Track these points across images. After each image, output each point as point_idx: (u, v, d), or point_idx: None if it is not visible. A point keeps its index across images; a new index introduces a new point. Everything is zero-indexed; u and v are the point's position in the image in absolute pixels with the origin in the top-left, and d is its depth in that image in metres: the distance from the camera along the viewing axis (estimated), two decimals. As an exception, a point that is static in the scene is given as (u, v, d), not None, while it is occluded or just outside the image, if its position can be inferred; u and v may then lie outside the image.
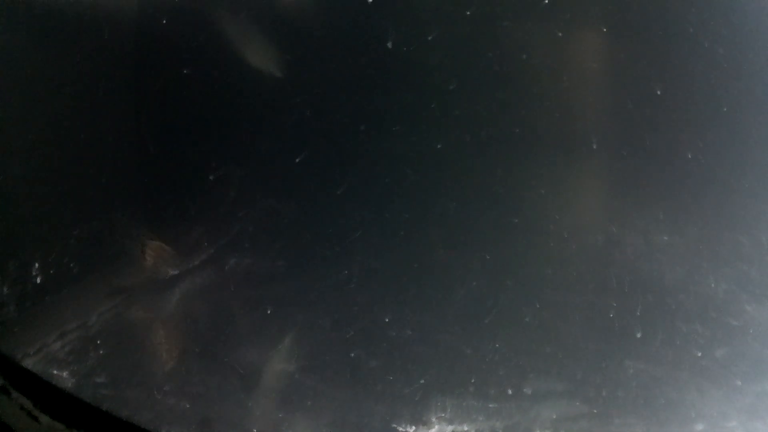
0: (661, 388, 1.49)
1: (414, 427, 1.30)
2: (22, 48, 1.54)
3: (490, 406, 1.36)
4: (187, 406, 1.23)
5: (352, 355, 1.38)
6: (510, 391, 1.39)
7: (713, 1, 1.58)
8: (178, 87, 1.81)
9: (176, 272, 1.42)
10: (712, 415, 1.43)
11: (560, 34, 1.75)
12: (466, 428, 1.33)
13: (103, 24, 1.75)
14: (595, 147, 1.78)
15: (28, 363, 1.35)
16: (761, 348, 1.54)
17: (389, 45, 1.74)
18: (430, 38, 1.73)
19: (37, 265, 1.42)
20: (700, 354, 1.52)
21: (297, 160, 1.79)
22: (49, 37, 1.63)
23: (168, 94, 1.77)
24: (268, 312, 1.45)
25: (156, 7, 1.75)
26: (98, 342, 1.39)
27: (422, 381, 1.35)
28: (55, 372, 1.33)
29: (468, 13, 1.70)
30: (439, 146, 1.81)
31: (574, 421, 1.40)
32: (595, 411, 1.42)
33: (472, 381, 1.38)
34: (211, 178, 1.60)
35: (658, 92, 1.63)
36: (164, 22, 1.77)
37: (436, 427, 1.31)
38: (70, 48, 1.58)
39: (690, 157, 1.67)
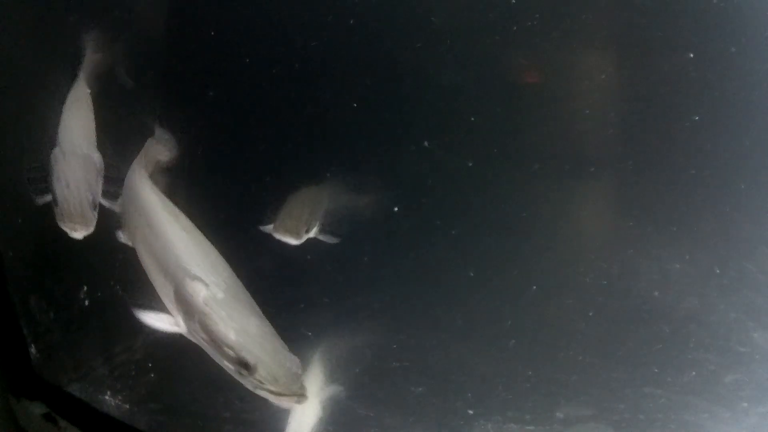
0: (677, 411, 1.60)
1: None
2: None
3: (527, 428, 1.43)
4: (243, 432, 1.26)
5: (399, 382, 1.43)
6: (544, 416, 1.47)
7: (717, 21, 1.66)
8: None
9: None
10: (718, 435, 1.54)
11: (573, 58, 1.82)
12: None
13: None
14: (612, 180, 1.87)
15: (75, 389, 1.34)
16: (765, 372, 1.67)
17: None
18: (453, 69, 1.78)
19: (85, 288, 1.42)
20: (711, 380, 1.64)
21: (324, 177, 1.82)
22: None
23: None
24: (310, 336, 1.49)
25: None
26: (149, 365, 1.40)
27: (465, 406, 1.41)
28: (105, 398, 1.33)
29: (488, 39, 1.77)
30: (463, 175, 1.86)
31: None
32: (618, 433, 1.52)
33: (510, 407, 1.46)
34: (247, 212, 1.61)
35: (678, 129, 1.72)
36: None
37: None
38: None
39: (699, 186, 1.78)
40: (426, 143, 1.84)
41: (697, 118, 1.67)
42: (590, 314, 1.70)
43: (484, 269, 1.73)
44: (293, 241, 1.54)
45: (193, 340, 1.11)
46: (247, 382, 1.02)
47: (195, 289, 1.10)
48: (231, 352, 1.03)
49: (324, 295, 1.71)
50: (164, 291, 1.16)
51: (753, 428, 1.55)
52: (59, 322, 1.40)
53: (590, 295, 1.73)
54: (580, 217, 1.84)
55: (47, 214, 1.43)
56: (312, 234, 1.58)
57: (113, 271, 1.47)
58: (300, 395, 1.00)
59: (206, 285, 1.10)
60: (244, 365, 1.01)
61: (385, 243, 1.82)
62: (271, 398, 1.01)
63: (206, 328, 1.06)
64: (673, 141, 1.75)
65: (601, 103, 1.79)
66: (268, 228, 1.59)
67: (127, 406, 1.31)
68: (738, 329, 1.72)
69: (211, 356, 1.09)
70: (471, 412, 1.40)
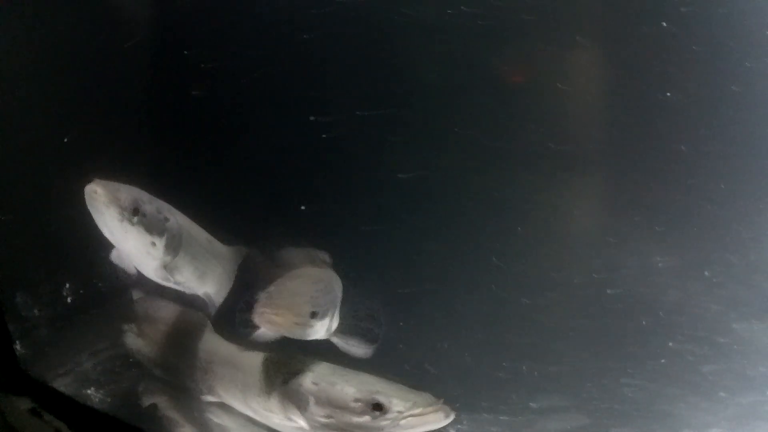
0: (653, 401, 1.62)
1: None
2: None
3: (501, 419, 1.46)
4: (228, 422, 1.30)
5: (375, 373, 1.46)
6: (518, 406, 1.50)
7: (706, 14, 1.65)
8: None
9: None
10: (699, 425, 1.56)
11: (559, 53, 1.80)
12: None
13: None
14: (594, 173, 1.87)
15: (61, 384, 1.39)
16: (745, 363, 1.67)
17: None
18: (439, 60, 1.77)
19: (68, 285, 1.46)
20: (689, 370, 1.65)
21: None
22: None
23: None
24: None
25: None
26: (132, 360, 1.45)
27: (440, 398, 1.44)
28: (89, 392, 1.38)
29: (474, 33, 1.75)
30: (449, 171, 1.86)
31: (572, 425, 1.51)
32: (593, 423, 1.54)
33: (484, 397, 1.49)
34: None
35: (658, 124, 1.72)
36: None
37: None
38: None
39: (684, 180, 1.77)
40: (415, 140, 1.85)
41: (684, 118, 1.67)
42: (568, 306, 1.71)
43: (461, 261, 1.74)
44: (295, 332, 1.05)
45: (317, 428, 1.08)
46: (389, 423, 1.02)
47: (297, 380, 1.11)
48: (359, 405, 1.04)
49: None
50: (272, 408, 1.15)
51: (731, 419, 1.57)
52: (45, 319, 1.44)
53: (569, 287, 1.74)
54: (561, 210, 1.84)
55: (32, 210, 1.47)
56: (326, 325, 1.13)
57: (97, 268, 1.51)
58: (445, 409, 1.04)
59: (305, 372, 1.13)
60: (377, 408, 1.03)
61: (369, 237, 1.84)
62: (418, 423, 1.03)
63: (325, 401, 1.06)
64: (658, 139, 1.74)
65: (586, 101, 1.79)
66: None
67: (110, 400, 1.35)
68: (719, 321, 1.73)
69: (342, 427, 1.05)
70: (445, 401, 1.42)
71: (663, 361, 1.65)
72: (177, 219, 1.30)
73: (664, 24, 1.59)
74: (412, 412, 1.03)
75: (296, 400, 1.11)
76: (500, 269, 1.76)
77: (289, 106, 1.79)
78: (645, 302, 1.75)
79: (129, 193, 1.23)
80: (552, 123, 1.76)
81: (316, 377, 1.13)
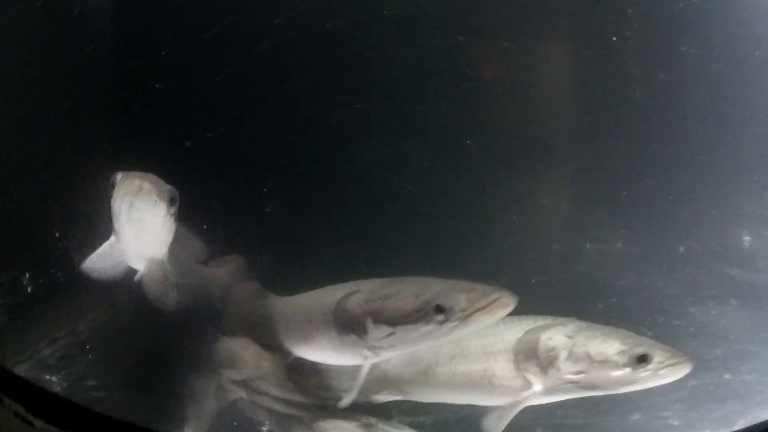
0: (604, 383, 1.64)
1: (376, 419, 1.42)
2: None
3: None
4: (172, 404, 1.35)
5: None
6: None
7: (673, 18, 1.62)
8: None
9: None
10: (649, 406, 1.57)
11: (531, 51, 1.79)
12: (422, 419, 1.47)
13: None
14: (556, 162, 1.86)
15: (20, 370, 1.44)
16: (699, 346, 1.68)
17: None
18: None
19: (27, 275, 1.50)
20: (642, 353, 1.66)
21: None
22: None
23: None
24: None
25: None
26: (87, 347, 1.50)
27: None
28: (47, 377, 1.43)
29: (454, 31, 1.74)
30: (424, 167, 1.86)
31: (520, 413, 1.54)
32: (542, 406, 1.56)
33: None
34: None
35: (618, 112, 1.70)
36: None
37: (396, 418, 1.46)
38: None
39: (646, 169, 1.76)
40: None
41: (647, 112, 1.66)
42: (527, 291, 1.72)
43: (423, 251, 1.76)
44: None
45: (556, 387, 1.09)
46: (648, 375, 1.06)
47: (546, 334, 1.12)
48: (623, 357, 1.07)
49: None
50: (495, 371, 1.18)
51: (685, 401, 1.58)
52: (5, 307, 1.50)
53: (529, 273, 1.75)
54: (521, 198, 1.84)
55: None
56: None
57: (54, 259, 1.56)
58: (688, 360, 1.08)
59: (552, 327, 1.14)
60: (642, 359, 1.07)
61: (346, 234, 1.86)
62: (671, 374, 1.07)
63: (581, 355, 1.09)
64: (622, 132, 1.74)
65: (552, 96, 1.78)
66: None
67: (66, 384, 1.41)
68: (675, 304, 1.73)
69: (591, 384, 1.09)
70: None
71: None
72: None
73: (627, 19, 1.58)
74: (671, 361, 1.07)
75: (544, 357, 1.12)
76: (458, 254, 1.78)
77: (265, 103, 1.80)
78: (602, 286, 1.76)
79: (164, 185, 1.13)
80: (515, 117, 1.76)
81: (568, 331, 1.13)
